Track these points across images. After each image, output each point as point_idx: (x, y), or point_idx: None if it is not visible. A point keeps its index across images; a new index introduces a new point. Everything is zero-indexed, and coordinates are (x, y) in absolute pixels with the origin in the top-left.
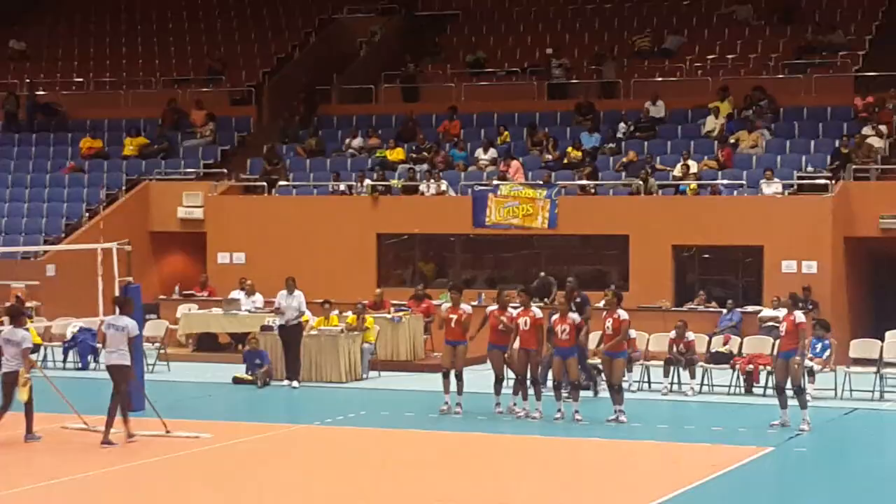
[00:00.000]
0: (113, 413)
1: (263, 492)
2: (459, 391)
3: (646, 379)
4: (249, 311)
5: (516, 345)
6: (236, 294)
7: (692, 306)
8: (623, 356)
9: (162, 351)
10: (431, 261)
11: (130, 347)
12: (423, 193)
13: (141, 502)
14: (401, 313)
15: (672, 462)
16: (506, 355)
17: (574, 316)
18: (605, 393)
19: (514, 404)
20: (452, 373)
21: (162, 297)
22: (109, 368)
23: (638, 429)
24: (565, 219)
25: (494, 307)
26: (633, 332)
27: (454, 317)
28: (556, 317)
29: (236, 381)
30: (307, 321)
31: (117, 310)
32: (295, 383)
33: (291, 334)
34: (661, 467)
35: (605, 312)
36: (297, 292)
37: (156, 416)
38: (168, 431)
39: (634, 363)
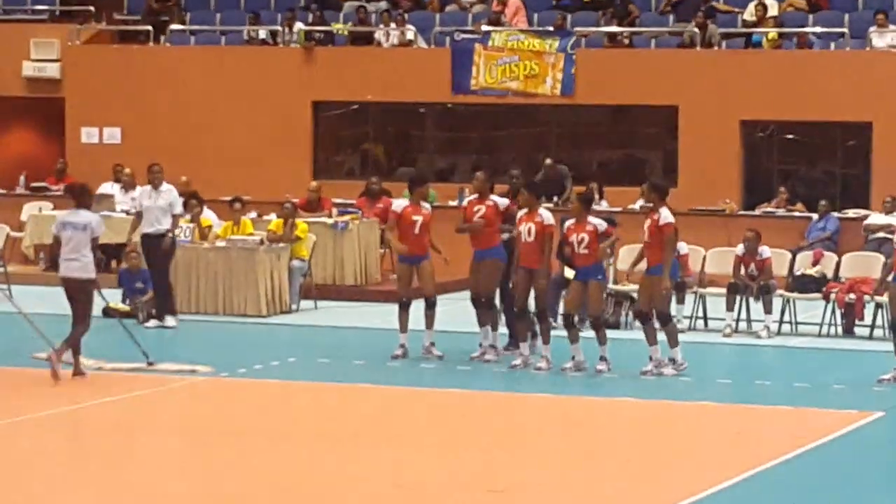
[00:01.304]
0: (76, 340)
1: (136, 470)
2: (429, 325)
3: (700, 313)
4: (127, 213)
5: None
6: (108, 188)
7: (768, 209)
8: (658, 272)
9: (0, 269)
10: (390, 142)
11: (94, 252)
12: (379, 44)
13: None
14: (347, 217)
15: (735, 433)
16: (511, 281)
17: (596, 221)
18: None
19: (507, 347)
20: (414, 302)
21: (0, 191)
22: (68, 282)
23: (688, 384)
24: (586, 82)
25: (474, 196)
26: (683, 247)
27: (418, 219)
28: (570, 223)
29: (108, 312)
30: (191, 226)
31: (73, 202)
32: (170, 321)
33: (157, 249)
34: (719, 440)
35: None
36: (165, 186)
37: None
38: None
39: (686, 291)
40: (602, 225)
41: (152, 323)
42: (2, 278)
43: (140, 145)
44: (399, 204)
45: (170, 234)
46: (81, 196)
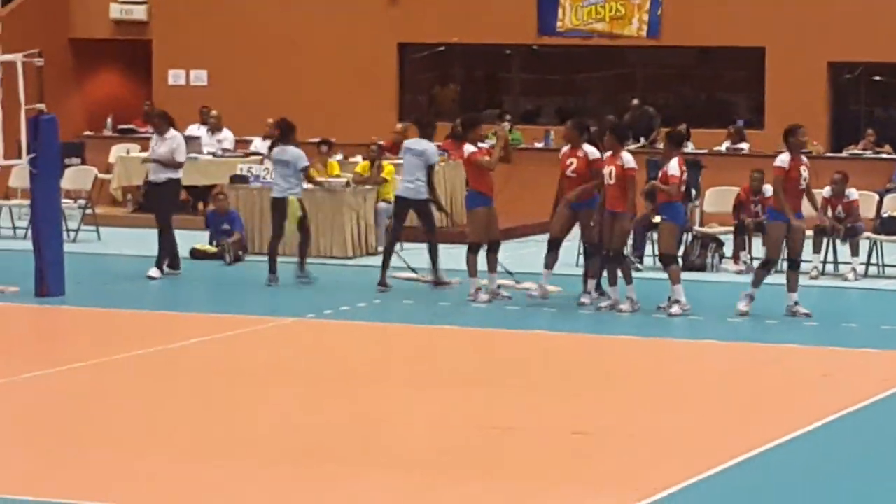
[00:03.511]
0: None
1: (220, 412)
2: (491, 268)
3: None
4: (214, 155)
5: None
6: (195, 130)
7: (856, 151)
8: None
9: (89, 211)
10: (477, 84)
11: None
12: None
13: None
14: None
15: (822, 375)
16: (591, 221)
17: (589, 149)
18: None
19: (589, 291)
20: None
21: (88, 133)
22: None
23: (774, 326)
24: (672, 24)
25: (566, 147)
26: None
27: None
28: (665, 165)
29: (196, 254)
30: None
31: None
32: (153, 272)
33: (159, 196)
34: (807, 382)
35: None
36: (170, 133)
37: None
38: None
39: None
40: (594, 153)
41: (153, 272)
42: (90, 220)
43: (226, 88)
44: (467, 149)
45: (177, 183)
46: (289, 132)
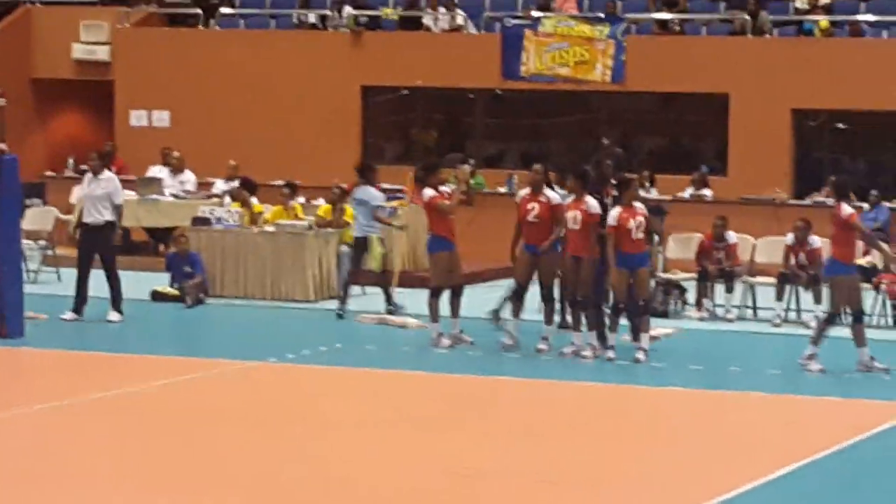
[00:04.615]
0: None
1: (186, 456)
2: (454, 313)
3: (750, 303)
4: (176, 197)
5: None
6: (157, 171)
7: (819, 199)
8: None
9: (49, 252)
10: (439, 128)
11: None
12: (428, 29)
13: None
14: (396, 202)
15: (786, 423)
16: (558, 270)
17: (551, 194)
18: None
19: (546, 338)
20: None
21: (49, 173)
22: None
23: (737, 374)
24: (637, 69)
25: (526, 191)
26: (732, 236)
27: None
28: (618, 209)
29: (157, 296)
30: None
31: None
32: (114, 316)
33: (98, 241)
34: (771, 430)
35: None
36: (106, 174)
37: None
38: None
39: (736, 280)
40: (556, 199)
41: (69, 316)
42: (51, 261)
43: (189, 129)
44: (426, 194)
45: (115, 226)
46: (368, 172)
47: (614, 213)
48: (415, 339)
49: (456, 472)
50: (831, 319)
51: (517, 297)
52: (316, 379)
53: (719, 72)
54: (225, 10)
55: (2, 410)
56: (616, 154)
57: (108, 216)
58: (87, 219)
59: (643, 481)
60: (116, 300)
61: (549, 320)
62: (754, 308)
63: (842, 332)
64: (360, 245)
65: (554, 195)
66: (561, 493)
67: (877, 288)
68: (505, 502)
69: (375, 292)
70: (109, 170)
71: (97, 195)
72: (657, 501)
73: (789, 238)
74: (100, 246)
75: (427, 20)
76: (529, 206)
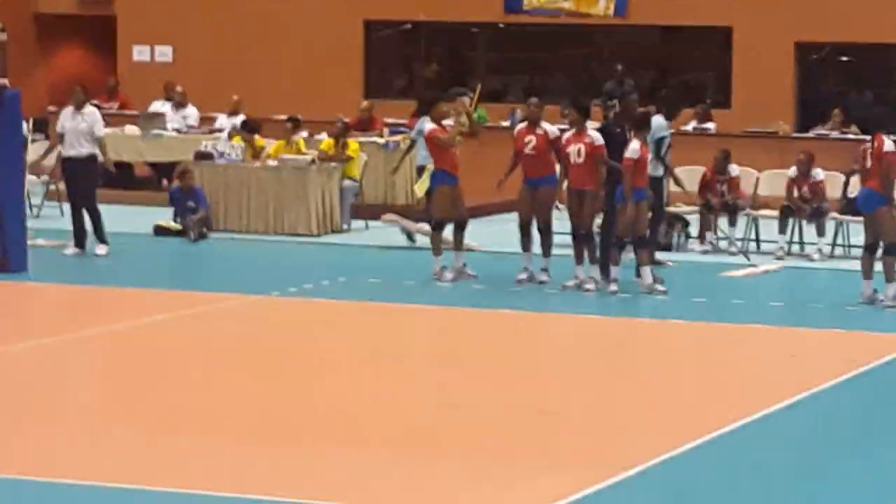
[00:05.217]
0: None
1: (182, 392)
2: (458, 245)
3: (753, 235)
4: (179, 132)
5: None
6: (160, 106)
7: (822, 132)
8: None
9: (52, 187)
10: (443, 62)
11: None
12: None
13: None
14: (398, 137)
15: (788, 356)
16: (557, 201)
17: (549, 128)
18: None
19: (546, 269)
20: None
21: (52, 108)
22: None
23: (740, 307)
24: (639, 3)
25: (522, 125)
26: (735, 169)
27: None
28: (638, 143)
29: (159, 231)
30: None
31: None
32: (102, 249)
33: (79, 174)
34: (772, 363)
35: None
36: (88, 108)
37: None
38: None
39: (739, 213)
40: (553, 132)
41: (71, 251)
42: (53, 195)
43: (191, 64)
44: (426, 128)
45: (96, 158)
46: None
47: (635, 145)
48: (419, 272)
49: (453, 406)
50: (873, 249)
51: (524, 234)
52: (316, 313)
53: (723, 5)
54: None
55: (3, 344)
56: (633, 85)
57: (89, 148)
58: (69, 152)
59: (642, 413)
60: (98, 231)
61: (546, 253)
62: (757, 241)
63: (850, 264)
64: (421, 172)
65: (552, 128)
66: (559, 423)
67: None
68: (503, 433)
69: (376, 225)
70: (91, 104)
71: (80, 129)
72: (655, 433)
73: (792, 171)
74: (80, 178)
75: None
76: (527, 138)
